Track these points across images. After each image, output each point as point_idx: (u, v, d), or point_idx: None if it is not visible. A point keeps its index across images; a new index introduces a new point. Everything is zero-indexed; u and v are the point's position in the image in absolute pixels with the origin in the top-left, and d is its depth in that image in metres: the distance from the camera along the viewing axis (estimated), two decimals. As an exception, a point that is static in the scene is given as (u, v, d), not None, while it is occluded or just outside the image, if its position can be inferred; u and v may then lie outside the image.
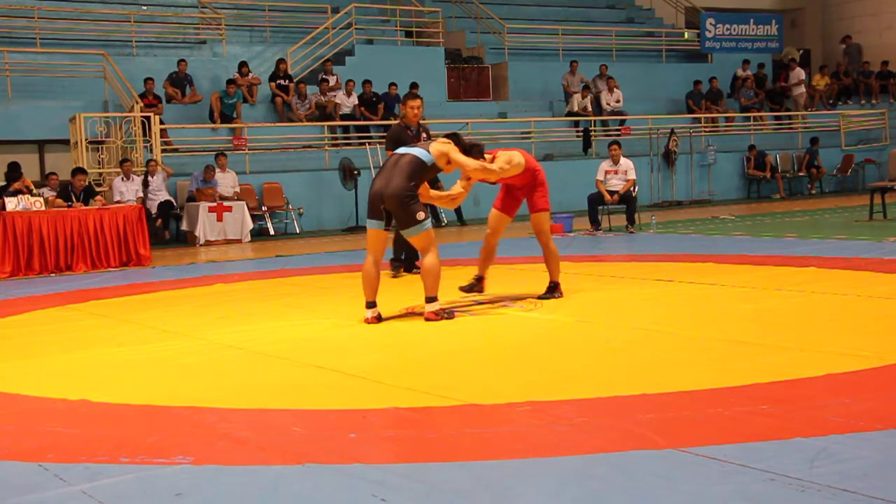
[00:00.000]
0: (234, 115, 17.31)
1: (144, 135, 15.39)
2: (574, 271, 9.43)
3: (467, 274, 8.50)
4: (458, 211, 16.87)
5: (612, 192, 14.00)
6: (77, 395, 4.96)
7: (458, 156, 7.02)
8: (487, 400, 4.50)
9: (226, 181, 15.63)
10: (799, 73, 23.67)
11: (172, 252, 13.97)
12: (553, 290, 7.67)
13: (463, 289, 7.64)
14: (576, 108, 20.71)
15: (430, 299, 6.86)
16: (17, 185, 12.25)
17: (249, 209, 15.49)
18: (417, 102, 9.30)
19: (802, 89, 23.67)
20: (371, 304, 6.88)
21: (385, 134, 18.40)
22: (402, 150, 7.11)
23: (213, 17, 19.49)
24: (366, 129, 18.47)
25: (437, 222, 16.76)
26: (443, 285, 6.98)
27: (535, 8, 24.32)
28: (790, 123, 23.46)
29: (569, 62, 21.50)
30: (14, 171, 12.82)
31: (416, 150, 6.97)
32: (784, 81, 24.11)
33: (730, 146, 21.79)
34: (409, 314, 7.16)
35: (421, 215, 6.79)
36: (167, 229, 15.32)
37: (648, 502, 3.18)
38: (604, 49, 23.48)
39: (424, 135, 9.35)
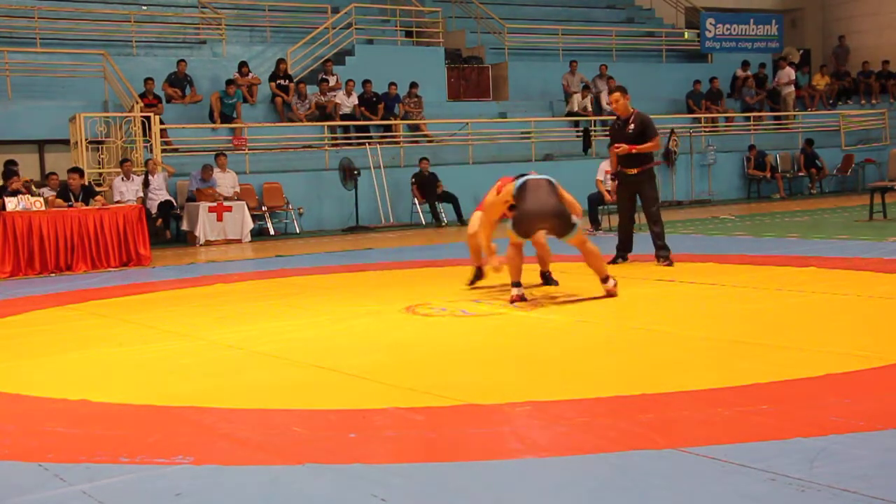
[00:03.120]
0: (234, 115, 17.31)
1: (144, 135, 15.39)
2: (574, 271, 9.43)
3: (467, 272, 8.54)
4: (457, 211, 16.86)
5: (612, 192, 13.99)
6: (77, 395, 4.96)
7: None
8: (487, 400, 4.50)
9: (226, 181, 15.63)
10: (789, 73, 23.65)
11: (172, 252, 13.97)
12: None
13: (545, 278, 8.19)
14: (576, 108, 20.71)
15: (606, 279, 7.52)
16: (16, 185, 12.23)
17: (249, 209, 15.50)
18: (615, 96, 9.63)
19: (791, 89, 23.65)
20: (517, 284, 7.44)
21: (383, 134, 18.56)
22: (530, 176, 7.55)
23: (213, 17, 19.50)
24: (366, 129, 18.47)
25: (438, 223, 16.76)
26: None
27: (535, 8, 24.32)
28: (787, 123, 23.47)
29: (569, 62, 21.51)
30: (9, 169, 12.77)
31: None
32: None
33: (730, 146, 21.79)
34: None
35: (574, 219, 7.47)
36: (167, 229, 15.33)
37: (648, 502, 3.17)
38: (604, 49, 23.48)
39: (633, 126, 9.56)
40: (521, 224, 7.37)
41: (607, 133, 10.08)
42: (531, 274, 8.18)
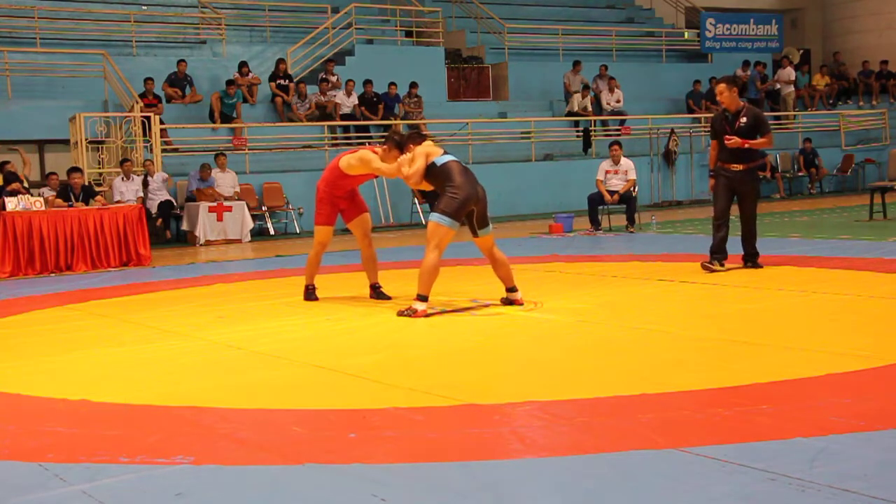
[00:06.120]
0: (235, 115, 17.32)
1: (144, 135, 15.40)
2: (574, 271, 9.44)
3: (467, 272, 8.52)
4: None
5: (612, 192, 14.00)
6: (77, 395, 4.96)
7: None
8: (487, 400, 4.50)
9: (226, 181, 15.64)
10: (789, 73, 23.65)
11: (172, 252, 13.97)
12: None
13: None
14: (576, 108, 20.71)
15: (513, 289, 7.30)
16: (13, 186, 12.23)
17: (249, 209, 15.50)
18: (720, 88, 8.88)
19: (791, 89, 23.64)
20: (426, 298, 7.07)
21: (383, 134, 18.53)
22: (456, 158, 7.33)
23: (213, 17, 19.50)
24: (366, 129, 18.48)
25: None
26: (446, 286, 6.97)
27: (536, 8, 24.34)
28: (787, 123, 23.48)
29: (569, 62, 21.52)
30: (10, 172, 12.77)
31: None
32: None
33: (730, 146, 21.76)
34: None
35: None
36: (167, 229, 15.33)
37: (648, 502, 3.17)
38: (604, 49, 23.49)
39: (745, 119, 8.79)
40: (461, 206, 7.00)
41: (709, 127, 9.31)
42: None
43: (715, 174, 9.06)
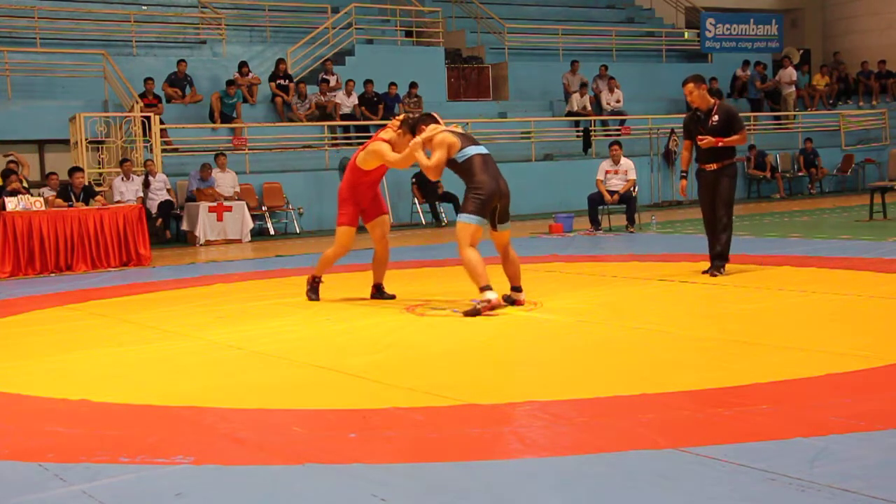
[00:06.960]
0: (235, 115, 17.32)
1: (144, 135, 15.41)
2: (574, 271, 9.44)
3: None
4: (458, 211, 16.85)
5: (612, 192, 14.00)
6: (77, 395, 4.95)
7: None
8: (487, 400, 4.50)
9: (226, 181, 15.64)
10: (791, 73, 23.65)
11: (172, 252, 13.97)
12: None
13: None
14: (576, 108, 20.72)
15: (518, 289, 7.32)
16: (14, 186, 12.24)
17: (249, 209, 15.50)
18: (688, 88, 8.71)
19: (793, 89, 23.64)
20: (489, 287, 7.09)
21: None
22: (479, 149, 7.28)
23: (213, 17, 19.50)
24: (366, 129, 18.47)
25: (438, 223, 16.74)
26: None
27: (536, 8, 24.34)
28: (787, 123, 23.47)
29: (569, 62, 21.52)
30: (8, 169, 12.79)
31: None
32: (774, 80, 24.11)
33: (730, 146, 21.77)
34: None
35: None
36: (167, 229, 15.33)
37: (648, 502, 3.17)
38: (604, 49, 23.49)
39: (717, 117, 8.61)
40: (485, 203, 7.05)
41: (682, 127, 9.17)
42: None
43: (697, 176, 8.96)
